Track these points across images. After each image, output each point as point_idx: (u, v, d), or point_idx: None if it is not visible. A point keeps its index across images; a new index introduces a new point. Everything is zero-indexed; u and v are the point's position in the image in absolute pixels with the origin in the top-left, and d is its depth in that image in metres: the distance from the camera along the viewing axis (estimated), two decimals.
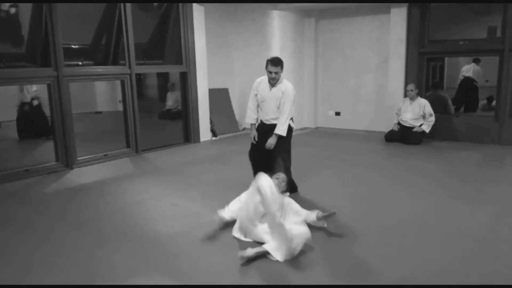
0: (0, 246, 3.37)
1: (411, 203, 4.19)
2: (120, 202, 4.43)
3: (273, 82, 4.22)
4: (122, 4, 6.24)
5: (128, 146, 6.61)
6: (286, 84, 4.29)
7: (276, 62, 4.15)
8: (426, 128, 7.03)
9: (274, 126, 4.28)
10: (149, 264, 3.00)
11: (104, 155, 6.27)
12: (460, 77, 9.57)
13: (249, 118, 4.51)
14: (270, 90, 4.28)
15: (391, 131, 7.35)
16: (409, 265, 2.90)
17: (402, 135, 7.15)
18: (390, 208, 4.06)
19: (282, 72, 4.22)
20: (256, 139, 4.40)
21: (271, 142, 4.26)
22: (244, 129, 8.81)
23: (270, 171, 4.02)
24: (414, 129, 7.07)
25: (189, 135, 7.56)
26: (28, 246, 3.36)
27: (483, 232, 3.45)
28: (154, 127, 8.53)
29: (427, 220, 3.74)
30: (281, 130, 4.24)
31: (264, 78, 4.34)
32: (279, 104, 4.26)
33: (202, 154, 6.78)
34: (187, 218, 3.92)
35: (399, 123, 7.31)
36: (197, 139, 7.61)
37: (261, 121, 4.45)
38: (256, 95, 4.39)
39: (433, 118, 7.02)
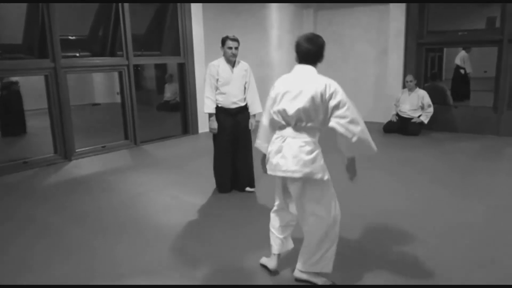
0: (4, 238, 3.38)
1: (408, 195, 4.21)
2: (120, 194, 4.42)
3: (233, 59, 4.12)
4: None
5: (126, 138, 6.60)
6: (244, 62, 4.25)
7: (234, 37, 4.10)
8: (425, 119, 7.02)
9: (241, 108, 4.20)
10: (149, 256, 3.01)
11: (103, 147, 6.26)
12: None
13: (209, 108, 4.15)
14: (233, 71, 4.15)
15: (390, 122, 7.35)
16: (403, 258, 2.91)
17: (401, 126, 7.15)
18: (386, 199, 4.07)
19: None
20: (215, 128, 4.18)
21: (254, 122, 4.24)
22: None
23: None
24: (413, 120, 7.07)
25: (188, 126, 7.54)
26: (28, 239, 3.36)
27: (480, 223, 3.47)
28: (152, 119, 8.52)
29: (424, 211, 3.75)
30: (260, 107, 4.20)
31: (220, 61, 4.18)
32: (245, 83, 4.21)
33: (201, 146, 6.77)
34: (187, 210, 3.93)
35: (397, 114, 7.31)
36: (195, 130, 7.59)
37: (222, 108, 4.16)
38: (218, 80, 4.12)
39: (431, 109, 7.02)
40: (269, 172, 2.49)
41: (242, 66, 4.23)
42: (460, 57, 9.29)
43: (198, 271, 2.78)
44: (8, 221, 3.74)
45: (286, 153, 2.37)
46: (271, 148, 2.46)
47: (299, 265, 2.56)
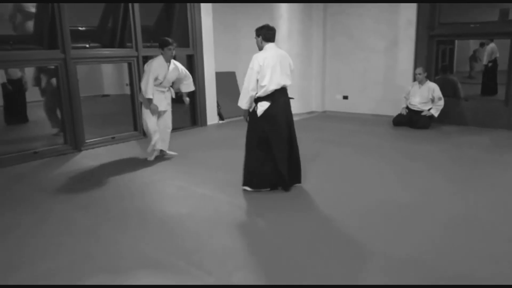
0: (7, 226, 3.43)
1: (416, 187, 4.18)
2: (128, 184, 4.46)
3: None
4: None
5: (135, 129, 6.63)
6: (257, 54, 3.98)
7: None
8: (435, 112, 6.96)
9: None
10: (156, 245, 3.04)
11: (112, 137, 6.30)
12: (490, 58, 9.12)
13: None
14: None
15: (399, 115, 7.29)
16: (408, 247, 2.91)
17: (410, 119, 7.09)
18: (394, 192, 4.06)
19: (259, 39, 4.01)
20: None
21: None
22: None
23: None
24: (423, 113, 7.01)
25: (196, 118, 7.56)
26: (35, 225, 3.41)
27: (487, 216, 3.44)
28: None
29: (431, 203, 3.73)
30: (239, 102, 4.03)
31: None
32: None
33: (209, 137, 6.79)
34: (194, 200, 3.95)
35: (407, 107, 7.25)
36: (204, 122, 7.61)
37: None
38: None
39: (442, 102, 6.95)
40: None
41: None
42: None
43: (204, 255, 2.81)
44: (16, 207, 3.80)
45: None
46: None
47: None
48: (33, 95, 7.35)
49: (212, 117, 7.77)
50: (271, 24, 4.17)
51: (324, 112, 9.00)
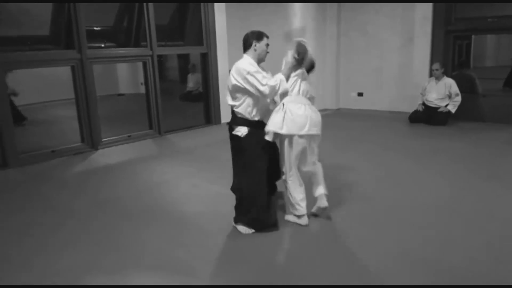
0: (26, 223, 3.48)
1: (435, 184, 4.13)
2: (145, 182, 4.50)
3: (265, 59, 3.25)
4: None
5: (151, 127, 6.68)
6: None
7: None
8: (452, 109, 6.85)
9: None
10: (174, 243, 3.06)
11: (128, 136, 6.35)
12: None
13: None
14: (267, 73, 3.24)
15: (416, 112, 7.20)
16: (432, 246, 2.87)
17: (427, 116, 7.00)
18: (413, 189, 4.01)
19: None
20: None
21: None
22: None
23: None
24: (440, 110, 6.91)
25: (210, 116, 7.57)
26: (53, 223, 3.47)
27: (509, 213, 3.38)
28: (176, 109, 8.59)
29: (452, 201, 3.68)
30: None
31: (251, 62, 3.19)
32: None
33: (223, 135, 6.72)
34: (209, 198, 3.97)
35: (423, 104, 7.16)
36: (218, 120, 7.62)
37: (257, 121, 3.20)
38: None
39: (459, 98, 6.84)
40: (302, 132, 3.06)
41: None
42: None
43: (219, 252, 2.81)
44: (35, 205, 3.86)
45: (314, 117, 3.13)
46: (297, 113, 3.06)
47: (324, 190, 3.28)
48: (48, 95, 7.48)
49: (226, 115, 7.77)
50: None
51: (339, 109, 8.94)
